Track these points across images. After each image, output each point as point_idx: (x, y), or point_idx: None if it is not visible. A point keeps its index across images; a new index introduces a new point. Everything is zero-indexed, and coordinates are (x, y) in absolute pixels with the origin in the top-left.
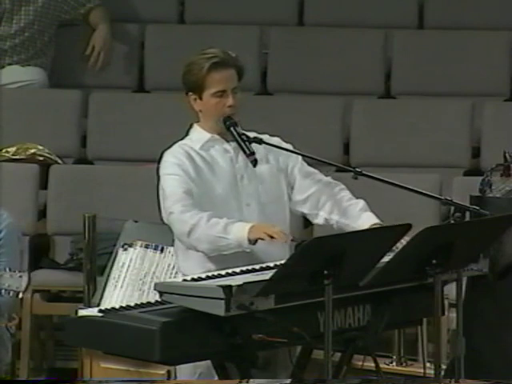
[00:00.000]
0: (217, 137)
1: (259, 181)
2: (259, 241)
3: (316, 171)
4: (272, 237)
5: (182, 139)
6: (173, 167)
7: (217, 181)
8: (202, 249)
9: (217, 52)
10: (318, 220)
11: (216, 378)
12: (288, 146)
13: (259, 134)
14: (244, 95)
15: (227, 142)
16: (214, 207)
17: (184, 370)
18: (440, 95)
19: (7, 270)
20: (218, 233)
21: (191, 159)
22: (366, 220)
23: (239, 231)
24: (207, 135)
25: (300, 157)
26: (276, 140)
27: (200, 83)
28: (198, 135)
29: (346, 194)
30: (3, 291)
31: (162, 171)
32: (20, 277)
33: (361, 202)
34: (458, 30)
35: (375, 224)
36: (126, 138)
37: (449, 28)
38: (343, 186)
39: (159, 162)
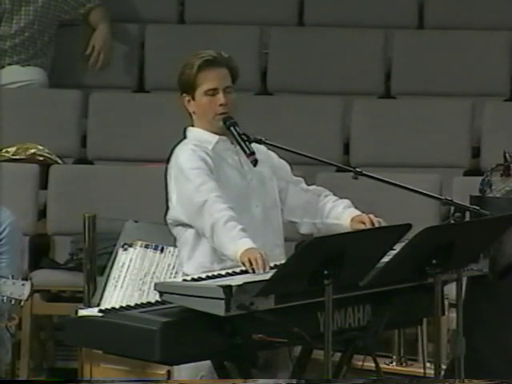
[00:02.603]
0: (224, 138)
1: (262, 182)
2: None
3: (302, 179)
4: (252, 264)
5: (180, 141)
6: (196, 162)
7: (228, 182)
8: (214, 246)
9: (209, 52)
10: (304, 229)
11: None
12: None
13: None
14: (244, 95)
15: (232, 143)
16: None
17: (184, 373)
18: (440, 95)
19: (10, 277)
20: (227, 239)
21: (205, 159)
22: (348, 215)
23: (237, 249)
24: (215, 136)
25: (288, 164)
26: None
27: (192, 82)
28: (204, 136)
29: (331, 198)
30: (5, 298)
31: (184, 166)
32: (23, 285)
33: (345, 201)
34: (458, 29)
35: (356, 216)
36: (126, 138)
37: (449, 28)
38: (328, 192)
39: (169, 160)
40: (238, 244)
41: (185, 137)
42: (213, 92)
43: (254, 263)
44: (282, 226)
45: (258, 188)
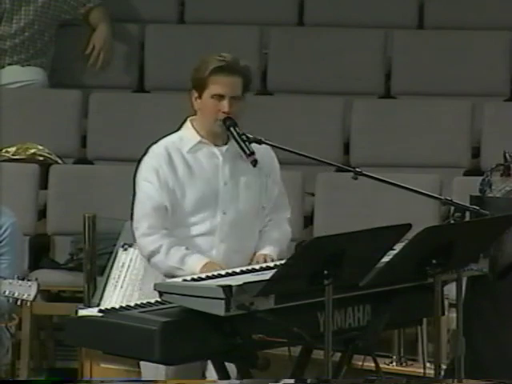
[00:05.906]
0: (205, 141)
1: (244, 189)
2: None
3: (282, 205)
4: None
5: (173, 132)
6: (150, 172)
7: (196, 186)
8: (158, 272)
9: (227, 56)
10: None
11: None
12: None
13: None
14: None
15: (216, 146)
16: (186, 215)
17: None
18: (440, 95)
19: (15, 278)
20: (174, 263)
21: (171, 163)
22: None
23: (193, 265)
24: (197, 138)
25: (280, 181)
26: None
27: (202, 82)
28: (189, 135)
29: (276, 234)
30: (11, 299)
31: (139, 172)
32: (29, 286)
33: (272, 242)
34: (458, 29)
35: (261, 255)
36: (126, 137)
37: (449, 28)
38: (288, 232)
39: (144, 155)
40: (191, 259)
41: (179, 128)
42: (219, 97)
43: None
44: (256, 233)
45: (232, 193)
